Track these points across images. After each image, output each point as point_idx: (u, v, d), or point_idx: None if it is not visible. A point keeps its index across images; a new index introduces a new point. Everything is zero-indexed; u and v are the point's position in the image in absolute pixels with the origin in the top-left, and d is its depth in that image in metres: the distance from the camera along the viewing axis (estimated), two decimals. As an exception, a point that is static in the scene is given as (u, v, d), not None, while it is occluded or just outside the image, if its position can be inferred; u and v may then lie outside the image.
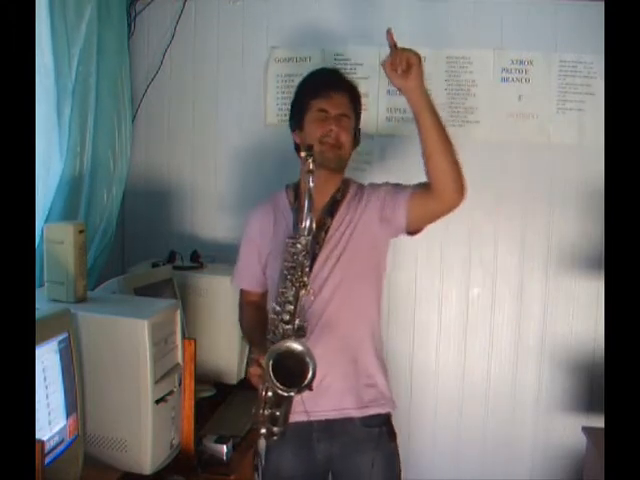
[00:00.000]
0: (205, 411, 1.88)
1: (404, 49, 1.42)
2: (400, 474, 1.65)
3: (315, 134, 1.59)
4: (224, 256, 2.32)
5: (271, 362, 1.39)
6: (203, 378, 1.95)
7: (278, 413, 1.48)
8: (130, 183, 2.36)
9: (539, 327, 2.29)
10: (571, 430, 2.19)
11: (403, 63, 1.41)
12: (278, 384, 1.39)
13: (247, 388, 2.18)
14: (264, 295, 1.73)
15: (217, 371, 2.08)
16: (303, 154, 1.46)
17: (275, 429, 1.50)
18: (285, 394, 1.41)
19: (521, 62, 2.23)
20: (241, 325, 1.78)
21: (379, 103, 2.29)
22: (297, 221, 1.50)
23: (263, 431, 1.51)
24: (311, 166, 1.45)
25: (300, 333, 1.48)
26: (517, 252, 2.28)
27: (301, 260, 1.46)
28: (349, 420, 1.59)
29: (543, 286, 2.28)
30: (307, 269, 1.48)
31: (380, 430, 1.61)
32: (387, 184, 1.66)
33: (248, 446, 1.85)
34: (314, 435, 1.60)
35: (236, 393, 2.12)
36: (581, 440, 2.01)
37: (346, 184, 1.68)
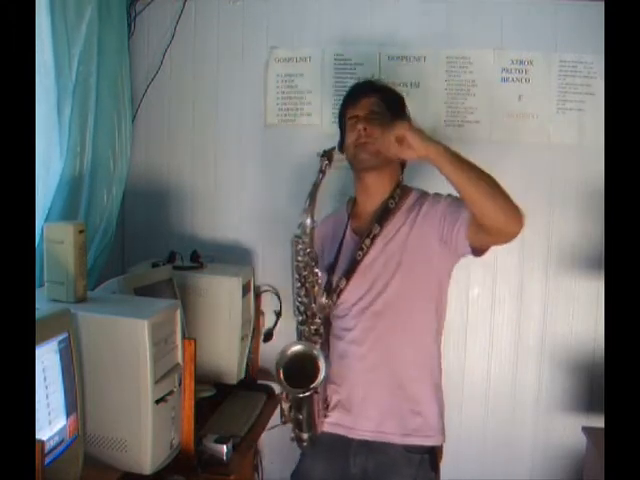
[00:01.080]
0: (205, 411, 1.88)
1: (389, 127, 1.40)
2: None
3: (350, 141, 1.59)
4: (224, 256, 2.33)
5: (282, 365, 1.41)
6: (203, 378, 1.95)
7: (301, 417, 1.49)
8: (130, 183, 2.36)
9: (539, 327, 2.29)
10: (571, 430, 2.19)
11: (394, 139, 1.38)
12: (285, 383, 1.40)
13: (247, 388, 2.20)
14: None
15: (217, 371, 2.07)
16: (319, 153, 1.47)
17: (304, 435, 1.52)
18: (294, 394, 1.42)
19: (521, 62, 2.23)
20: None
21: (379, 103, 2.29)
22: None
23: (292, 435, 1.54)
24: (323, 166, 1.45)
25: (317, 338, 1.49)
26: (517, 252, 2.28)
27: (307, 260, 1.46)
28: (389, 443, 1.55)
29: (543, 286, 2.28)
30: (315, 269, 1.47)
31: (422, 457, 1.55)
32: (448, 197, 1.55)
33: (248, 446, 1.86)
34: (352, 448, 1.58)
35: (236, 393, 2.13)
36: (581, 440, 2.01)
37: (404, 191, 1.63)
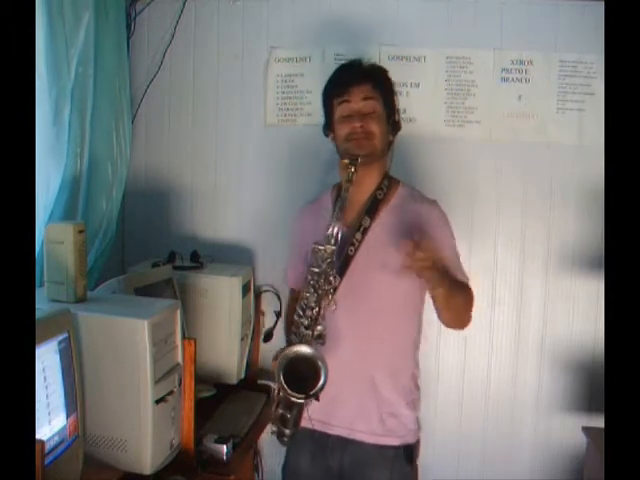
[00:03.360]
0: (205, 411, 1.88)
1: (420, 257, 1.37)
2: None
3: (342, 133, 1.56)
4: (224, 256, 2.33)
5: (283, 365, 1.40)
6: (203, 378, 1.95)
7: (289, 416, 1.48)
8: (130, 183, 2.36)
9: (539, 327, 2.29)
10: (571, 430, 2.19)
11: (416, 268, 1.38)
12: (287, 388, 1.39)
13: (247, 388, 2.20)
14: None
15: (217, 371, 2.08)
16: (346, 161, 1.46)
17: (286, 431, 1.51)
18: (293, 399, 1.41)
19: (521, 62, 2.23)
20: (286, 323, 1.76)
21: (379, 103, 2.29)
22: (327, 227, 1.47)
23: (274, 429, 1.53)
24: (351, 175, 1.44)
25: (319, 341, 1.47)
26: (517, 252, 2.28)
27: (325, 268, 1.44)
28: (361, 441, 1.57)
29: (543, 286, 2.28)
30: (331, 277, 1.46)
31: (396, 452, 1.57)
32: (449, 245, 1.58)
33: (248, 446, 1.86)
34: (329, 443, 1.60)
35: (236, 393, 2.13)
36: (581, 440, 2.01)
37: (391, 182, 1.62)
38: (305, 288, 1.48)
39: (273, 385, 1.57)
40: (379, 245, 1.55)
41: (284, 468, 1.74)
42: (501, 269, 2.30)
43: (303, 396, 1.39)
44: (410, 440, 1.60)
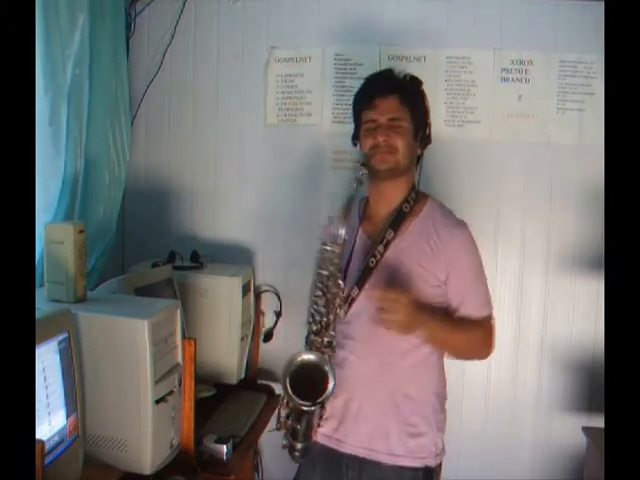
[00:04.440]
0: (205, 411, 1.88)
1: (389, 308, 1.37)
2: None
3: (367, 145, 1.53)
4: (224, 256, 2.33)
5: (289, 373, 1.38)
6: (203, 378, 1.95)
7: (299, 427, 1.45)
8: (130, 183, 2.36)
9: (539, 327, 2.29)
10: (571, 430, 2.19)
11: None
12: (294, 395, 1.36)
13: (247, 388, 2.20)
14: None
15: (217, 371, 2.08)
16: (361, 163, 1.47)
17: (298, 445, 1.48)
18: (301, 407, 1.38)
19: (521, 62, 2.23)
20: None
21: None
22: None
23: (284, 442, 1.50)
24: (361, 173, 1.45)
25: (328, 350, 1.45)
26: (517, 252, 2.28)
27: (333, 270, 1.42)
28: (378, 462, 1.51)
29: (543, 286, 2.28)
30: (339, 281, 1.43)
31: (415, 474, 1.51)
32: (469, 268, 1.55)
33: (248, 446, 1.86)
34: (344, 461, 1.55)
35: (236, 393, 2.13)
36: (581, 440, 2.01)
37: (419, 196, 1.59)
38: (314, 291, 1.45)
39: (279, 391, 1.54)
40: (402, 259, 1.51)
41: None
42: (501, 269, 2.29)
43: (310, 403, 1.36)
44: (431, 463, 1.53)
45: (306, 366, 1.39)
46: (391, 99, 1.52)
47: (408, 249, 1.52)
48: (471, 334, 1.50)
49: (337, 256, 1.42)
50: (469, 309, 1.52)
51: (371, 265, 1.51)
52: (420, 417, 1.52)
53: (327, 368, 1.37)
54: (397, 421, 1.51)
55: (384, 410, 1.51)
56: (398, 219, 1.54)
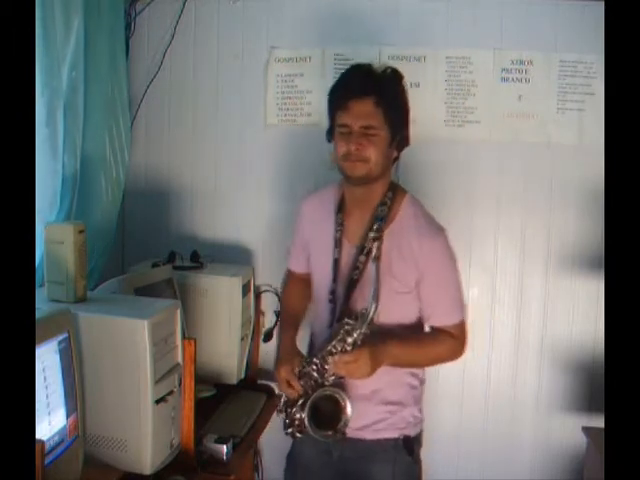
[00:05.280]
0: (205, 411, 1.88)
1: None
2: None
3: (339, 150, 1.50)
4: (224, 256, 2.33)
5: (311, 404, 1.49)
6: (203, 378, 1.95)
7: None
8: (130, 183, 2.36)
9: (539, 327, 2.29)
10: (571, 430, 2.19)
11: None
12: (312, 426, 1.49)
13: (247, 388, 2.20)
14: (309, 274, 1.74)
15: (217, 371, 2.08)
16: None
17: (298, 435, 1.58)
18: (320, 438, 1.50)
19: (521, 62, 2.23)
20: (283, 299, 1.82)
21: (379, 103, 2.28)
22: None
23: (289, 430, 1.57)
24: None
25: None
26: (517, 252, 2.28)
27: (352, 342, 1.45)
28: (361, 438, 1.59)
29: (543, 286, 2.28)
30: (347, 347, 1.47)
31: (395, 443, 1.59)
32: (441, 268, 1.55)
33: (248, 446, 1.86)
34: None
35: (236, 393, 2.13)
36: (581, 440, 2.01)
37: (395, 196, 1.56)
38: (328, 348, 1.48)
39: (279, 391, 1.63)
40: (382, 268, 1.50)
41: (289, 456, 1.76)
42: (501, 269, 2.30)
43: (332, 432, 1.47)
44: (409, 432, 1.61)
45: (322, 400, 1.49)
46: (366, 101, 1.45)
47: (381, 257, 1.52)
48: (437, 347, 1.56)
49: (357, 336, 1.45)
50: (439, 316, 1.57)
51: (355, 278, 1.54)
52: (399, 396, 1.60)
53: (340, 397, 1.48)
54: (378, 402, 1.58)
55: (366, 395, 1.56)
56: (379, 227, 1.53)
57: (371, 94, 1.45)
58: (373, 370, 1.44)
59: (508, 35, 2.22)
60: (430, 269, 1.52)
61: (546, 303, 2.28)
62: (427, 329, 1.63)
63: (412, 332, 1.59)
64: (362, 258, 1.53)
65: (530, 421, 2.30)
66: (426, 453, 2.30)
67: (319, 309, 1.66)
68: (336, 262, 1.59)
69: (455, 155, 2.27)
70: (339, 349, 1.45)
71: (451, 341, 1.56)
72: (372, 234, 1.53)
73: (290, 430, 1.58)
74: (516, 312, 2.30)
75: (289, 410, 1.57)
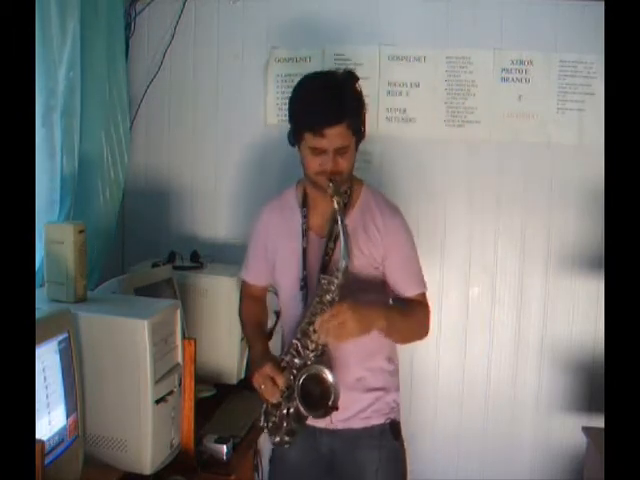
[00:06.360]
0: (205, 411, 1.88)
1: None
2: (406, 471, 1.66)
3: (311, 166, 1.52)
4: (224, 256, 2.32)
5: (299, 386, 1.46)
6: (203, 378, 1.95)
7: (295, 427, 1.53)
8: (130, 183, 2.36)
9: (539, 327, 2.29)
10: (571, 430, 2.19)
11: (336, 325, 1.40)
12: (305, 408, 1.46)
13: (247, 388, 2.19)
14: (265, 289, 1.76)
15: (217, 371, 2.08)
16: (330, 191, 1.47)
17: (287, 439, 1.55)
18: (309, 415, 1.48)
19: (521, 62, 2.23)
20: (240, 316, 1.78)
21: (379, 103, 2.29)
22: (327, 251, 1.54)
23: (277, 440, 1.55)
24: (333, 189, 1.47)
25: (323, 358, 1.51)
26: (517, 252, 2.28)
27: (330, 299, 1.47)
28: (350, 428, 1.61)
29: (543, 286, 2.28)
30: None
31: (382, 427, 1.62)
32: (405, 245, 1.61)
33: (248, 446, 1.86)
34: (317, 431, 1.61)
35: (236, 393, 2.13)
36: (581, 440, 2.01)
37: (353, 184, 1.62)
38: (309, 315, 1.49)
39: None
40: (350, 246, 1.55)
41: (271, 460, 1.75)
42: (501, 269, 2.30)
43: (322, 412, 1.45)
44: (394, 417, 1.65)
45: (311, 379, 1.47)
46: (341, 127, 1.46)
47: (353, 240, 1.55)
48: (416, 316, 1.59)
49: (335, 288, 1.46)
50: (411, 286, 1.61)
51: (325, 262, 1.57)
52: (382, 382, 1.63)
53: (329, 377, 1.45)
54: (363, 390, 1.60)
55: (352, 386, 1.57)
56: (342, 214, 1.54)
57: (344, 120, 1.46)
58: (362, 328, 1.41)
59: (508, 35, 2.22)
60: (396, 244, 1.60)
61: (546, 303, 2.28)
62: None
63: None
64: (331, 244, 1.57)
65: (530, 421, 2.31)
66: (426, 453, 2.31)
67: (289, 307, 1.64)
68: (304, 251, 1.60)
69: (455, 155, 2.27)
70: (318, 311, 1.46)
71: (426, 309, 1.62)
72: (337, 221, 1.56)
73: (277, 439, 1.55)
74: (516, 312, 2.30)
75: (274, 418, 1.55)
